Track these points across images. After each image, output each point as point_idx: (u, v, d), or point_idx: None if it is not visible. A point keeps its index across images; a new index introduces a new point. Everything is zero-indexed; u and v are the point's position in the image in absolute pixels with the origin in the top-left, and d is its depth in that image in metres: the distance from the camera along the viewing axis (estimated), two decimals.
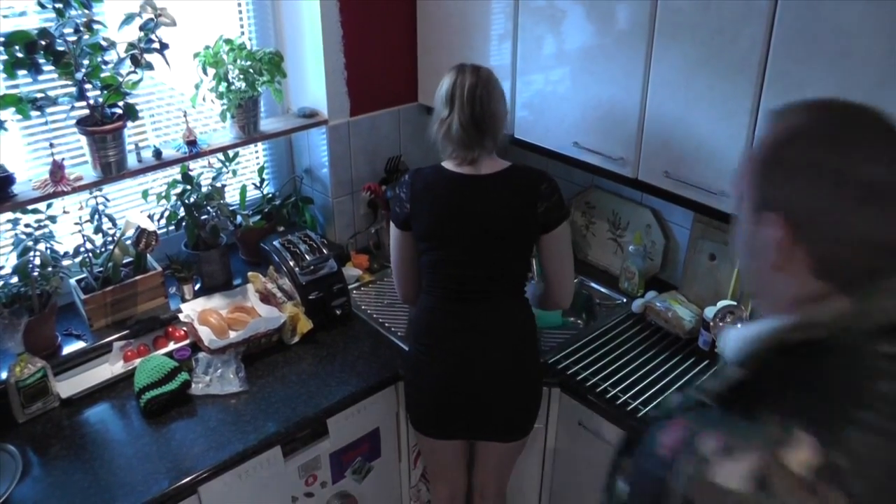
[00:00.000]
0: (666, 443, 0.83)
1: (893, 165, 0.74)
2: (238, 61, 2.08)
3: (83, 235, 2.02)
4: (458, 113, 1.68)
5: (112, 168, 1.89)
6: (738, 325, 0.81)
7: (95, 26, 1.78)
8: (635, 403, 1.84)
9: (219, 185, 2.21)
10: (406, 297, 1.97)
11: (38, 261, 1.89)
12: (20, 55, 1.70)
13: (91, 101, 1.84)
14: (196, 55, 2.05)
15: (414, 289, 1.92)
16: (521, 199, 1.72)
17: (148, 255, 2.13)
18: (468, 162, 1.72)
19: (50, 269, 1.90)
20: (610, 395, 1.87)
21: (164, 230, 2.19)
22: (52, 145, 1.83)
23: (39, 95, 1.77)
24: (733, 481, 0.72)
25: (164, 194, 2.16)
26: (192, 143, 2.05)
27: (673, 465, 0.78)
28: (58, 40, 1.73)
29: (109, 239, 2.07)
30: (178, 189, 2.16)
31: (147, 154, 2.01)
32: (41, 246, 1.90)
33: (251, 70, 2.09)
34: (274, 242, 2.22)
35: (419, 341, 1.85)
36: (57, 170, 1.81)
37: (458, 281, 1.78)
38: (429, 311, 1.84)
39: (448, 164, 1.76)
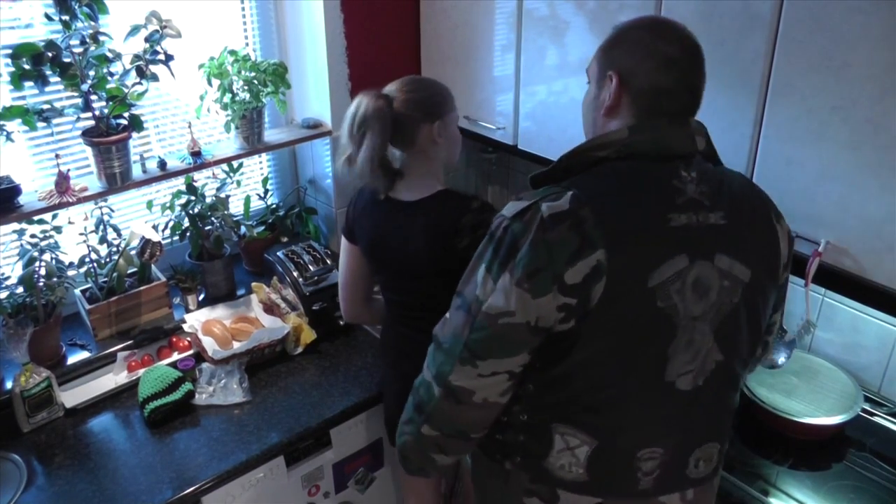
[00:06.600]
0: None
1: (681, 47, 1.17)
2: (242, 72, 2.09)
3: (88, 246, 2.03)
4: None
5: (117, 179, 1.90)
6: None
7: (101, 38, 1.79)
8: None
9: (223, 195, 2.22)
10: (347, 313, 1.91)
11: (43, 271, 1.89)
12: (27, 67, 1.71)
13: (97, 112, 1.86)
14: (201, 66, 2.07)
15: (355, 306, 1.87)
16: (438, 233, 1.56)
17: (152, 266, 2.14)
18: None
19: (55, 279, 1.91)
20: None
21: (169, 241, 2.20)
22: (57, 156, 1.84)
23: (46, 107, 1.78)
24: (507, 210, 1.11)
25: (168, 205, 2.17)
26: (196, 154, 2.06)
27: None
28: (64, 52, 1.74)
29: (114, 249, 2.08)
30: (183, 200, 2.17)
31: (152, 165, 2.02)
32: (46, 256, 1.90)
33: (255, 81, 2.10)
34: (278, 253, 2.22)
35: (382, 359, 1.88)
36: (62, 180, 1.82)
37: (398, 306, 1.78)
38: (385, 330, 1.86)
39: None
